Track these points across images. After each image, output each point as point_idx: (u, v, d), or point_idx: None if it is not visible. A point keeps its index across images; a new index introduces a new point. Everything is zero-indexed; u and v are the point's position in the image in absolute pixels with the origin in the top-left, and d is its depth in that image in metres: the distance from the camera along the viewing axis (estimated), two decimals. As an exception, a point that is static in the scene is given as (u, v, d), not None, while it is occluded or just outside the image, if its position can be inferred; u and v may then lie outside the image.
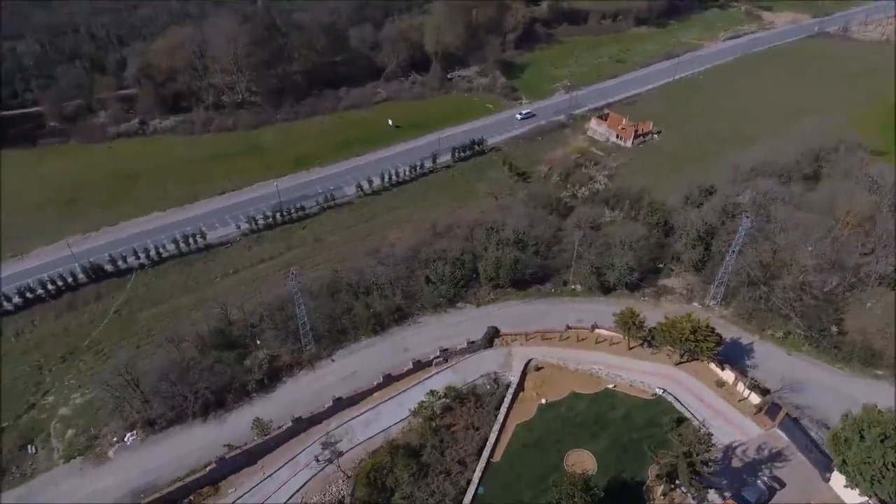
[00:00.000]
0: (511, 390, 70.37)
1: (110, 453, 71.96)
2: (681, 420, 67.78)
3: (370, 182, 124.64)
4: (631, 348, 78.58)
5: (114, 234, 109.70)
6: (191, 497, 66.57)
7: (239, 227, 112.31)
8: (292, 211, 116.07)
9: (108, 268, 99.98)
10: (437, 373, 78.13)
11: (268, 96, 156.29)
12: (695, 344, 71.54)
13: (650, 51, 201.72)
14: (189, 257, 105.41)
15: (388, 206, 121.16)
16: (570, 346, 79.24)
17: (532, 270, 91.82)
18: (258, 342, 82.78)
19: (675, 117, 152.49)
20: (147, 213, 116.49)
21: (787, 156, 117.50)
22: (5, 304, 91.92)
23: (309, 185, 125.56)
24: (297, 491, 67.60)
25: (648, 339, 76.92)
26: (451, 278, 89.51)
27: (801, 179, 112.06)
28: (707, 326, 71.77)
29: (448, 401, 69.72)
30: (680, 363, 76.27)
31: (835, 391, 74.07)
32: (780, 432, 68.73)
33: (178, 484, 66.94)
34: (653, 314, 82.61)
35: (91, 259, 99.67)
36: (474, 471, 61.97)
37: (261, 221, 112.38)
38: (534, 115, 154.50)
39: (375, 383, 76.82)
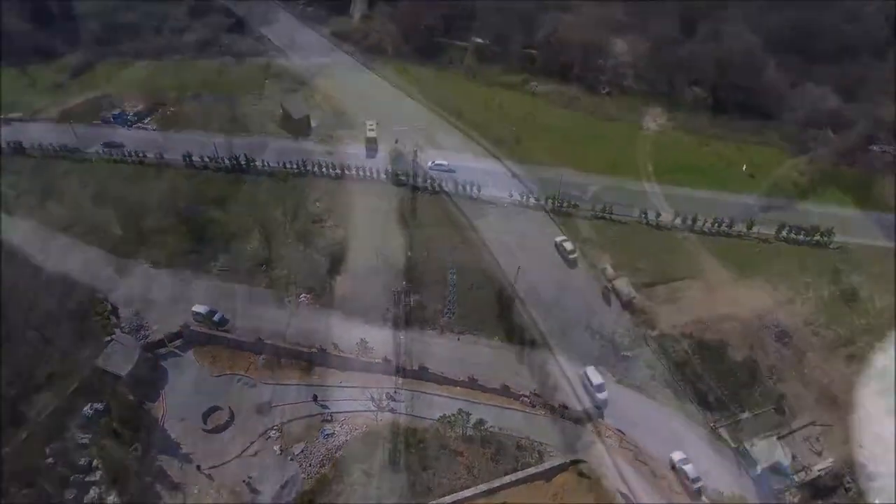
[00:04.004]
0: (532, 470, 61.43)
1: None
2: None
3: (658, 214, 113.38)
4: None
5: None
6: (283, 358, 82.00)
7: (511, 196, 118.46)
8: (564, 203, 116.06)
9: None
10: (513, 409, 73.12)
11: (643, 96, 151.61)
12: None
13: None
14: (456, 197, 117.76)
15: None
16: (653, 487, 62.75)
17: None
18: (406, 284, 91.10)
19: None
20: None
21: None
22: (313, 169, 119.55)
23: (602, 191, 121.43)
24: (345, 412, 76.17)
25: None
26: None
27: None
28: None
29: (474, 432, 65.62)
30: None
31: None
32: None
33: (288, 346, 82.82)
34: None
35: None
36: None
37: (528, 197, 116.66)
38: (452, 172, 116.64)
39: (461, 379, 76.97)
